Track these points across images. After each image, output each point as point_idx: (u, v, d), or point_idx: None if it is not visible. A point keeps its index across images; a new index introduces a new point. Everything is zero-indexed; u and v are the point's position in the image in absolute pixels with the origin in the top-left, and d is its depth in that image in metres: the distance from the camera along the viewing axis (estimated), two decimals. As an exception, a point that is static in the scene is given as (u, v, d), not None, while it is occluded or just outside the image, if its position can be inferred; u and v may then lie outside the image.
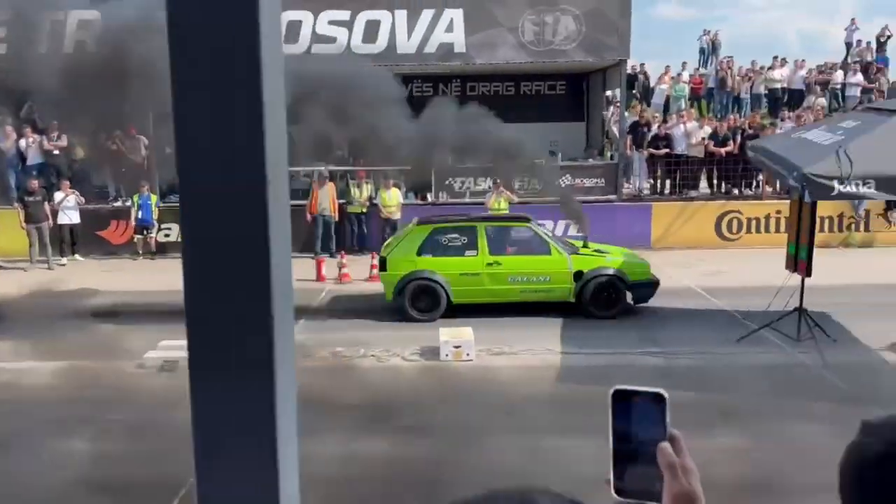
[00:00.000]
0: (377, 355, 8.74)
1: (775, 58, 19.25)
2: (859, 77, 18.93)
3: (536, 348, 8.86)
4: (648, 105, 18.33)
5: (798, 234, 8.92)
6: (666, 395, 1.02)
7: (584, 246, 10.71)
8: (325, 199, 14.30)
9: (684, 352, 8.57)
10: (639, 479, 0.99)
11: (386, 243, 11.24)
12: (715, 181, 15.84)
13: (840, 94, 18.64)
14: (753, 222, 14.76)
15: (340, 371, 8.20)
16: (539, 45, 15.04)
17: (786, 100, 18.59)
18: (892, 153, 7.50)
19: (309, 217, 14.29)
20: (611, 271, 10.18)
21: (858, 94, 18.32)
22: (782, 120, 16.32)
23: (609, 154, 16.23)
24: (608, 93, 17.16)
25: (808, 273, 8.78)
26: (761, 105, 18.56)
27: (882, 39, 20.21)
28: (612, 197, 15.32)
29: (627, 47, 15.24)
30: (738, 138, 15.16)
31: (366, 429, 6.29)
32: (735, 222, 14.89)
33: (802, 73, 19.03)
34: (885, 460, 1.04)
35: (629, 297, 10.32)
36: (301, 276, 12.99)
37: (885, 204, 13.89)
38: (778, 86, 18.86)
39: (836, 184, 7.29)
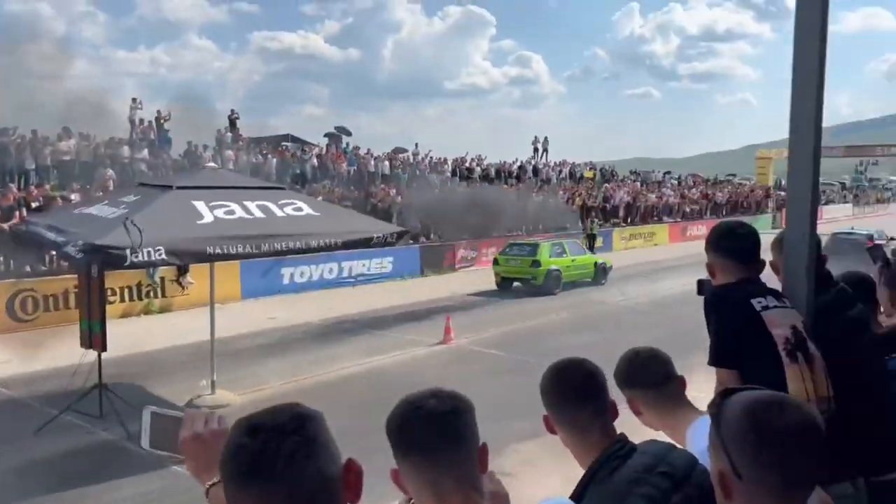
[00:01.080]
0: None
1: (64, 128, 18.73)
2: (146, 153, 20.23)
3: None
4: None
5: (90, 309, 8.70)
6: None
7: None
8: None
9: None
10: None
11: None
12: (3, 258, 14.26)
13: (129, 168, 19.42)
14: (50, 300, 13.80)
15: None
16: None
17: (77, 172, 18.25)
18: (171, 223, 8.10)
19: None
20: (603, 261, 19.96)
21: (145, 168, 19.50)
22: (72, 192, 15.96)
23: None
24: None
25: (104, 347, 8.62)
26: (50, 177, 17.73)
27: (161, 121, 22.10)
28: None
29: None
30: (24, 210, 14.09)
31: None
32: (30, 301, 13.66)
33: (91, 145, 19.08)
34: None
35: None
36: None
37: (176, 270, 15.02)
38: (67, 157, 18.42)
39: (128, 253, 7.37)
